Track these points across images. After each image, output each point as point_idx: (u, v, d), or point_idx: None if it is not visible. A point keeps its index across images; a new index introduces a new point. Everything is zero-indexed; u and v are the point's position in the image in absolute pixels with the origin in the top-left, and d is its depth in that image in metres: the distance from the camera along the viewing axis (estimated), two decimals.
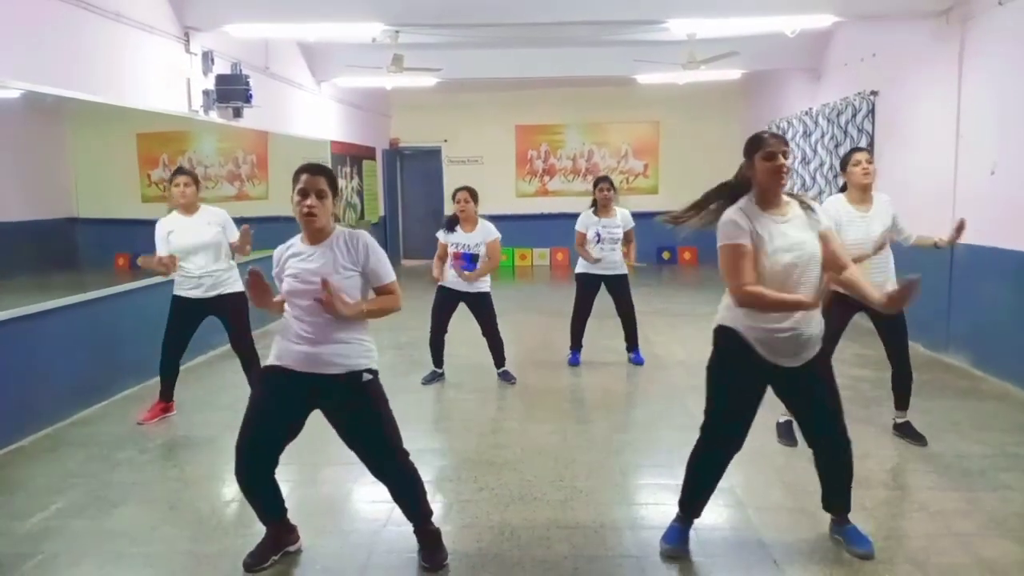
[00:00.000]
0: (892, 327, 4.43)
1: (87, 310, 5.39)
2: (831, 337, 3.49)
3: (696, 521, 3.49)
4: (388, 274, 3.09)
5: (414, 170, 14.59)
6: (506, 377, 6.02)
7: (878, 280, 4.27)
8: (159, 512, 3.75)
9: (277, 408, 3.06)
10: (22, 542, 3.42)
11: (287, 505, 3.72)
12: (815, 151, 9.45)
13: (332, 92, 10.89)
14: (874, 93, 7.95)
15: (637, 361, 6.48)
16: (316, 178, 3.03)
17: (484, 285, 5.87)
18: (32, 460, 4.46)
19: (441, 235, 5.87)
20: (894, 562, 3.14)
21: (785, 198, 3.04)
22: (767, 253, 2.90)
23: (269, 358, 3.08)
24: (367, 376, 3.04)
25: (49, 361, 4.98)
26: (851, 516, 3.31)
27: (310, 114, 10.13)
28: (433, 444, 4.60)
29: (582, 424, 5.08)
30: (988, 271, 5.99)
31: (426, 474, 4.09)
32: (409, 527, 3.29)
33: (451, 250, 5.79)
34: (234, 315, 5.08)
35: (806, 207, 3.06)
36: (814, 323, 3.02)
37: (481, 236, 5.75)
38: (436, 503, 3.66)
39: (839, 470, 3.24)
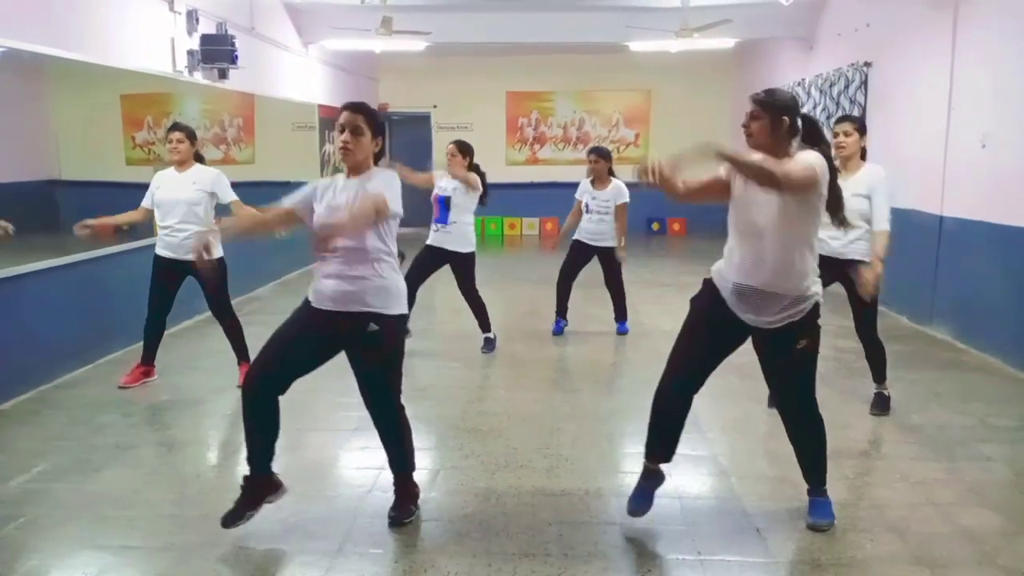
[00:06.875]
0: (861, 298, 4.38)
1: (70, 273, 5.32)
2: None
3: (679, 489, 3.53)
4: (383, 194, 3.00)
5: (403, 136, 14.43)
6: (488, 345, 5.99)
7: (854, 254, 4.27)
8: (142, 476, 3.74)
9: (299, 336, 3.14)
10: (4, 505, 3.40)
11: (273, 469, 3.72)
12: None
13: (319, 55, 10.74)
14: (867, 64, 7.90)
15: (622, 331, 6.50)
16: (354, 115, 3.09)
17: (469, 246, 5.83)
18: (14, 423, 4.43)
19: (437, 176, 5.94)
20: (875, 531, 3.18)
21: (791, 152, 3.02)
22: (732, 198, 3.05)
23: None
24: (372, 327, 3.06)
25: (32, 324, 4.93)
26: (831, 485, 3.31)
27: (297, 77, 9.99)
28: (419, 411, 4.58)
29: (568, 392, 5.09)
30: (974, 244, 6.01)
31: (413, 441, 4.10)
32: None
33: (433, 194, 5.81)
34: (209, 281, 4.94)
35: None
36: (768, 280, 2.94)
37: (458, 182, 5.75)
38: (423, 470, 3.67)
39: (801, 443, 3.25)
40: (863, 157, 4.43)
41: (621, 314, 6.54)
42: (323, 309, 3.09)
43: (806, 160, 2.86)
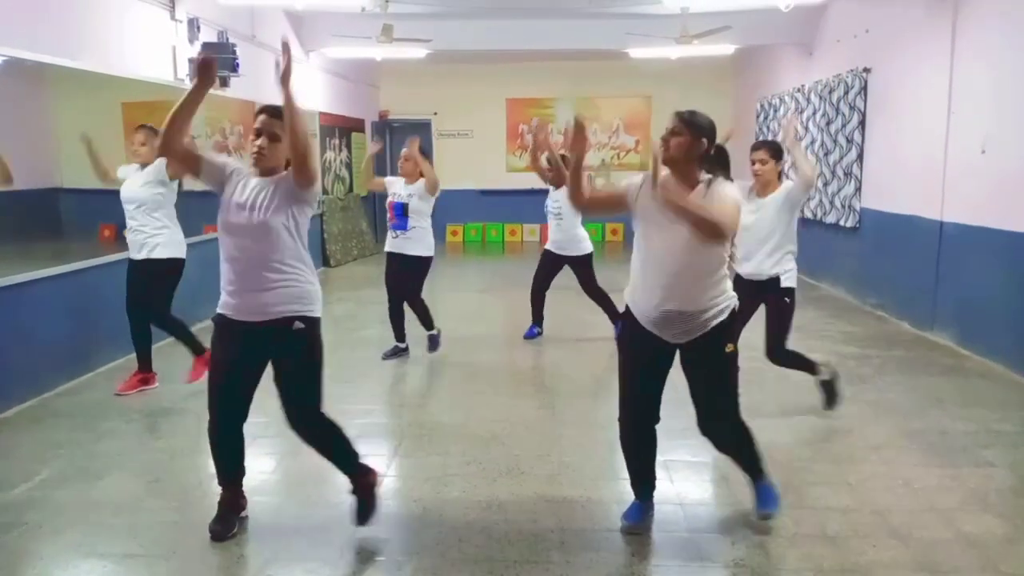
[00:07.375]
0: (770, 313, 4.41)
1: (73, 280, 5.33)
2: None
3: (681, 496, 3.54)
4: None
5: (403, 143, 14.40)
6: (431, 343, 5.94)
7: (771, 271, 4.31)
8: (144, 483, 3.74)
9: (232, 358, 3.05)
10: (6, 512, 3.41)
11: (275, 476, 3.73)
12: (807, 128, 9.42)
13: (320, 62, 10.76)
14: (867, 70, 7.91)
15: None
16: (272, 120, 3.01)
17: (429, 250, 5.77)
18: (16, 430, 4.43)
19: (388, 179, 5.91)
20: (877, 536, 3.17)
21: (703, 178, 3.00)
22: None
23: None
24: (298, 324, 2.98)
25: (34, 331, 4.93)
26: (835, 490, 3.33)
27: (298, 84, 9.98)
28: (420, 418, 4.60)
29: (569, 399, 5.08)
30: (975, 250, 6.01)
31: (414, 448, 4.11)
32: (395, 500, 3.30)
33: (388, 200, 5.77)
34: (153, 281, 4.88)
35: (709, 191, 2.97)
36: (687, 301, 2.95)
37: (417, 187, 5.70)
38: (424, 478, 3.67)
39: (734, 451, 3.27)
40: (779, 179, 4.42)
41: (613, 316, 6.51)
42: (242, 320, 2.99)
43: (732, 197, 2.90)
